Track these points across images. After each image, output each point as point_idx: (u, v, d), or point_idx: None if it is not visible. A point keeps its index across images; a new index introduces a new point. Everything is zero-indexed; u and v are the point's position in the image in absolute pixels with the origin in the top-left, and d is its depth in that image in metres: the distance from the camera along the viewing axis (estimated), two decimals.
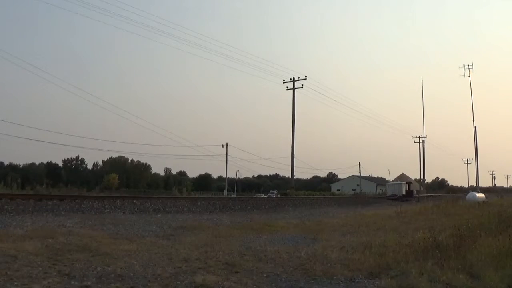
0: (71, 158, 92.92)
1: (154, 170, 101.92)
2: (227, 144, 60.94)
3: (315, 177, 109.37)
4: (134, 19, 66.26)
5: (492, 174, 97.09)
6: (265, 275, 5.71)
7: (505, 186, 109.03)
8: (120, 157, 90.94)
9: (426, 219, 15.91)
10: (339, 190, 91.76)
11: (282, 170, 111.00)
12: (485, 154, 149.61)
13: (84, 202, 15.23)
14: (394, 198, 42.97)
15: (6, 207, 12.47)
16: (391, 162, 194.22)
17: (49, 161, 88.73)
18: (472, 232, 8.56)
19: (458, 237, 7.87)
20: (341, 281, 5.53)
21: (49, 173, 76.32)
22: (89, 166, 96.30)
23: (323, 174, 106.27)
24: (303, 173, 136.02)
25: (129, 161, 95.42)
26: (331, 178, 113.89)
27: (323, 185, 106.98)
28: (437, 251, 6.87)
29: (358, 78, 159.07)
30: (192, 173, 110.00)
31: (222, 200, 24.07)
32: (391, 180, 73.05)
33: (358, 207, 27.51)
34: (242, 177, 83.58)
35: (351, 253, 7.57)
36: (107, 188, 63.83)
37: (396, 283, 5.33)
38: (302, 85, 39.78)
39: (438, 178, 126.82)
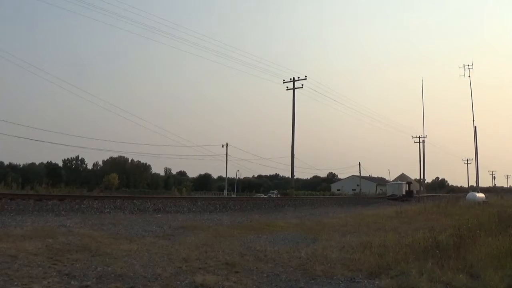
0: (71, 158, 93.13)
1: (154, 170, 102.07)
2: (227, 144, 60.91)
3: (315, 177, 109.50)
4: (134, 19, 66.36)
5: (492, 174, 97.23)
6: (265, 275, 5.71)
7: (505, 186, 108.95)
8: (120, 157, 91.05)
9: (426, 219, 15.92)
10: (339, 190, 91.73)
11: (282, 170, 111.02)
12: (485, 154, 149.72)
13: (84, 202, 15.23)
14: (394, 198, 42.96)
15: (6, 207, 12.47)
16: (391, 162, 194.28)
17: (49, 161, 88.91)
18: (472, 232, 8.56)
19: (458, 237, 7.88)
20: (341, 281, 5.53)
21: (49, 173, 76.29)
22: (89, 166, 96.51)
23: (323, 174, 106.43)
24: (303, 173, 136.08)
25: (129, 161, 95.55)
26: (331, 178, 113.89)
27: (323, 185, 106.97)
28: (437, 251, 6.87)
29: (358, 78, 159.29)
30: (192, 173, 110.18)
31: (222, 200, 24.06)
32: (391, 180, 73.06)
33: (358, 207, 27.52)
34: (242, 177, 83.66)
35: (351, 253, 7.57)
36: (107, 188, 63.82)
37: (396, 283, 5.33)
38: (302, 85, 39.76)
39: (438, 178, 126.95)
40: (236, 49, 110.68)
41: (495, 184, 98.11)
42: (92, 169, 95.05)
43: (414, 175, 75.84)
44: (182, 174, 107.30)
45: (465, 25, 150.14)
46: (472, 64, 43.77)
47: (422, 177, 60.29)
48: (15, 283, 4.58)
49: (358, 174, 77.83)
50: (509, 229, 9.60)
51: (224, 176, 68.20)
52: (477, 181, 45.54)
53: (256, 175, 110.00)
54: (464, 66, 43.93)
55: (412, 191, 50.22)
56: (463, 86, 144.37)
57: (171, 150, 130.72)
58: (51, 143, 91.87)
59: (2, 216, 11.00)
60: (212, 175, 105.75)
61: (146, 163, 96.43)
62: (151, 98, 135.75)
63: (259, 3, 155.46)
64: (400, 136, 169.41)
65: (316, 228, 12.17)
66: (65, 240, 7.54)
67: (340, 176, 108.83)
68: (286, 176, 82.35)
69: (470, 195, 34.77)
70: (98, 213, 13.95)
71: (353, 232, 11.26)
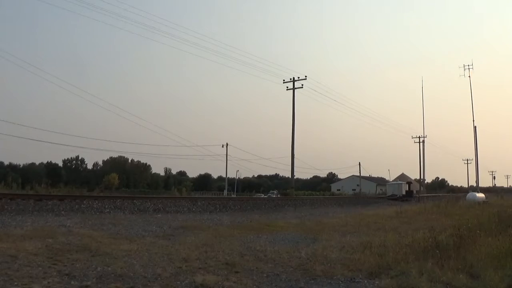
0: (71, 158, 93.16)
1: (154, 170, 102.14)
2: (227, 144, 60.96)
3: (315, 177, 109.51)
4: (134, 19, 66.25)
5: (492, 174, 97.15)
6: (265, 275, 5.71)
7: (505, 186, 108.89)
8: (120, 157, 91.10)
9: (426, 219, 15.92)
10: (339, 190, 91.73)
11: (282, 170, 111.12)
12: (485, 154, 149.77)
13: (84, 202, 15.22)
14: (394, 198, 42.94)
15: (6, 207, 12.47)
16: (391, 162, 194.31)
17: (49, 161, 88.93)
18: (472, 232, 8.56)
19: (458, 237, 7.88)
20: (341, 281, 5.53)
21: (49, 173, 76.37)
22: (89, 166, 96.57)
23: (323, 174, 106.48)
24: (303, 173, 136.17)
25: (129, 161, 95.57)
26: (331, 178, 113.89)
27: (323, 185, 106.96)
28: (437, 251, 6.87)
29: (358, 78, 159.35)
30: (192, 173, 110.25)
31: (222, 200, 24.06)
32: (391, 180, 73.03)
33: (358, 207, 27.52)
34: (242, 177, 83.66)
35: (351, 253, 7.57)
36: (107, 188, 63.82)
37: (396, 283, 5.33)
38: (302, 85, 39.79)
39: (438, 178, 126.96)
40: (236, 49, 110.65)
41: (495, 184, 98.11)
42: (92, 169, 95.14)
43: (414, 175, 75.95)
44: (182, 174, 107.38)
45: (465, 25, 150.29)
46: (472, 64, 43.85)
47: (422, 177, 60.37)
48: (15, 283, 4.58)
49: (358, 174, 77.83)
50: (509, 229, 9.60)
51: (224, 176, 68.29)
52: (477, 181, 45.64)
53: (256, 175, 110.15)
54: (464, 66, 44.02)
55: (412, 191, 50.20)
56: (463, 86, 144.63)
57: (171, 150, 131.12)
58: (51, 143, 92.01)
59: (2, 216, 11.00)
60: (212, 175, 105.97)
61: (146, 163, 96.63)
62: (151, 98, 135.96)
63: (259, 3, 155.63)
64: (400, 136, 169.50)
65: (316, 228, 12.17)
66: (65, 240, 7.54)
67: (340, 176, 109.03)
68: (286, 176, 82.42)
69: (470, 195, 34.75)
70: (98, 213, 13.94)
71: (353, 232, 11.26)
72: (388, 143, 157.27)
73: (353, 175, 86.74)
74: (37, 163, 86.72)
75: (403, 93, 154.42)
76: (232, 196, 49.72)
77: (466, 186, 76.21)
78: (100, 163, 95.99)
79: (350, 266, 6.37)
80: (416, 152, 58.62)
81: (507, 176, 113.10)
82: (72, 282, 4.78)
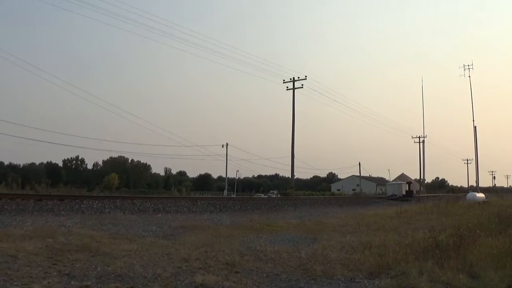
0: (71, 158, 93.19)
1: (154, 170, 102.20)
2: (227, 144, 61.05)
3: (315, 177, 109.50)
4: (134, 19, 66.07)
5: (492, 174, 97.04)
6: (265, 275, 5.71)
7: (505, 186, 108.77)
8: (120, 157, 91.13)
9: (426, 219, 15.91)
10: (339, 190, 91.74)
11: (282, 170, 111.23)
12: (485, 154, 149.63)
13: (84, 202, 15.21)
14: (394, 198, 42.91)
15: (6, 207, 12.46)
16: (391, 162, 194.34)
17: (49, 161, 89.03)
18: (472, 232, 8.56)
19: (458, 237, 7.88)
20: (341, 281, 5.53)
21: (49, 173, 76.40)
22: (89, 166, 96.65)
23: (323, 174, 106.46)
24: (303, 173, 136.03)
25: (129, 161, 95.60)
26: (331, 178, 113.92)
27: (323, 185, 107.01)
28: (437, 251, 6.87)
29: (358, 78, 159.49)
30: (192, 173, 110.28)
31: (222, 200, 24.04)
32: (391, 180, 72.99)
33: (358, 207, 27.51)
34: (242, 177, 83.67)
35: (351, 253, 7.58)
36: (107, 188, 63.81)
37: (396, 283, 5.33)
38: (302, 85, 39.82)
39: (438, 178, 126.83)
40: (236, 49, 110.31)
41: (495, 184, 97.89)
42: (92, 169, 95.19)
43: (414, 175, 75.98)
44: (182, 174, 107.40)
45: (465, 25, 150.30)
46: (472, 64, 43.68)
47: (422, 177, 60.39)
48: (15, 283, 4.58)
49: (358, 174, 77.83)
50: (509, 229, 9.60)
51: (224, 176, 68.36)
52: (477, 181, 45.60)
53: (256, 175, 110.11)
54: (464, 66, 43.79)
55: (412, 191, 50.15)
56: (463, 86, 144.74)
57: (171, 150, 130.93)
58: (51, 143, 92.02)
59: (2, 216, 10.99)
60: (212, 175, 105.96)
61: (146, 163, 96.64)
62: (151, 98, 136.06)
63: (260, 3, 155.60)
64: (400, 136, 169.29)
65: (316, 228, 12.17)
66: (65, 240, 7.54)
67: (340, 176, 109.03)
68: (286, 176, 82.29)
69: (470, 195, 34.69)
70: (98, 213, 13.93)
71: (353, 232, 11.26)
72: (388, 143, 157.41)
73: (353, 175, 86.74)
74: (37, 163, 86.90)
75: (403, 93, 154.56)
76: (232, 196, 49.71)
77: (466, 186, 76.06)
78: (100, 163, 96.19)
79: (350, 266, 6.37)
80: (416, 152, 58.73)
81: (507, 176, 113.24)
82: (72, 282, 4.78)
